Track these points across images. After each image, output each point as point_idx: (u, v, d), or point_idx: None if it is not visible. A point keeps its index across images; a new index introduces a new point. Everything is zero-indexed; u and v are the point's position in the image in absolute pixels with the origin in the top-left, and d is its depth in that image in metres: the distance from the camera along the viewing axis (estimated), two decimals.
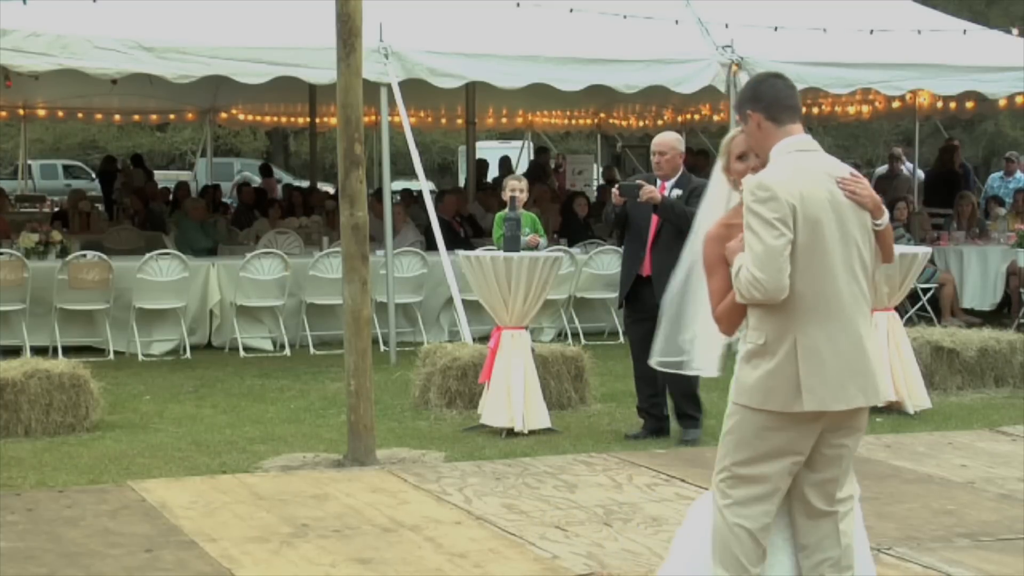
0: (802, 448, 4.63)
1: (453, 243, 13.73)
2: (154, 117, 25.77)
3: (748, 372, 4.63)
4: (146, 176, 20.95)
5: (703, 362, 5.16)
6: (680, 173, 9.18)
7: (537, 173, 21.00)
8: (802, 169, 4.63)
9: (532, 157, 25.60)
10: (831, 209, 4.59)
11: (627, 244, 9.27)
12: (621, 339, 14.18)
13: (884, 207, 4.74)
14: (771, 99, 4.71)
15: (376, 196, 14.06)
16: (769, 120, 4.70)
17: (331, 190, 21.38)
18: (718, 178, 5.04)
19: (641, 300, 8.92)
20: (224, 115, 24.32)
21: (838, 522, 4.70)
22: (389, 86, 12.63)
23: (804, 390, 4.54)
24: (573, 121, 25.13)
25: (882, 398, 4.76)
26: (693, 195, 8.70)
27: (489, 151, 26.10)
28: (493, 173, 23.28)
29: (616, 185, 9.32)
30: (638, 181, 9.05)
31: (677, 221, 8.64)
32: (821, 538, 4.70)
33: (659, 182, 9.10)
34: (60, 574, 6.16)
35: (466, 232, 15.73)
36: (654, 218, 8.96)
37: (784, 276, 4.51)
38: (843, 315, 4.60)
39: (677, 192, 9.04)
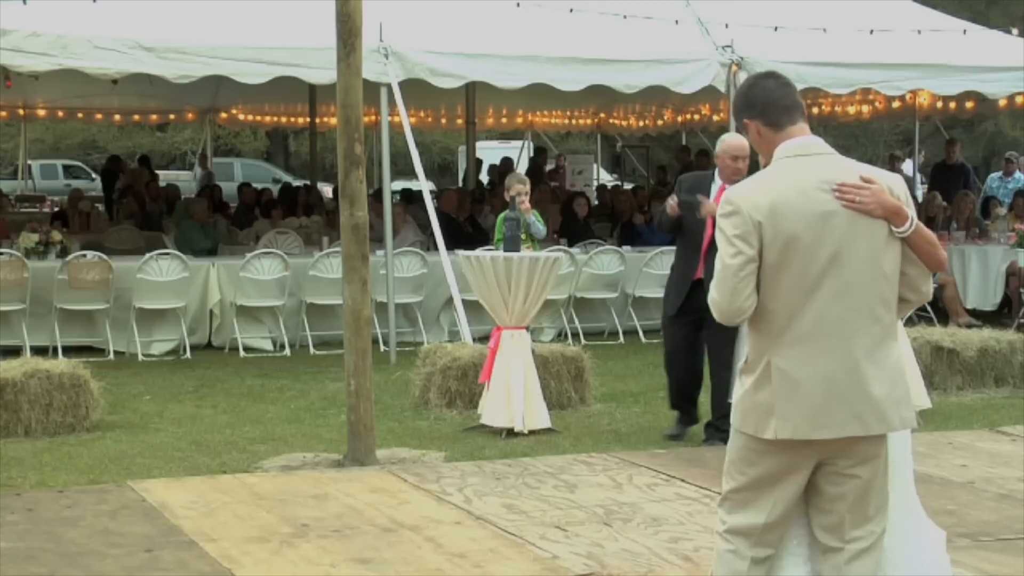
0: (795, 478, 4.28)
1: (457, 240, 13.73)
2: (154, 117, 25.80)
3: (737, 390, 4.39)
4: (150, 176, 20.94)
5: None
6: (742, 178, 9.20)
7: (534, 174, 21.03)
8: (786, 178, 4.26)
9: (531, 156, 25.65)
10: (816, 222, 4.18)
11: (680, 249, 9.31)
12: (621, 339, 14.21)
13: (906, 211, 4.26)
14: (764, 103, 4.36)
15: (376, 196, 14.06)
16: (767, 126, 4.35)
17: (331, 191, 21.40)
18: None
19: (691, 301, 8.96)
20: (224, 115, 24.35)
21: (844, 561, 4.31)
22: (389, 86, 12.63)
23: (776, 416, 4.21)
24: (573, 121, 25.16)
25: (893, 425, 4.28)
26: None
27: (489, 151, 26.12)
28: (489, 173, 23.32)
29: (677, 198, 9.19)
30: (699, 197, 8.97)
31: None
32: (829, 574, 4.35)
33: (717, 183, 9.00)
34: (60, 574, 6.16)
35: (468, 231, 15.73)
36: (708, 223, 8.93)
37: (739, 297, 4.20)
38: (828, 336, 4.20)
39: None
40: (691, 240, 9.15)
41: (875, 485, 4.33)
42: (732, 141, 8.81)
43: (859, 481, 4.29)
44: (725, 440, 9.31)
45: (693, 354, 9.26)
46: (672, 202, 9.10)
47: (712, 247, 8.92)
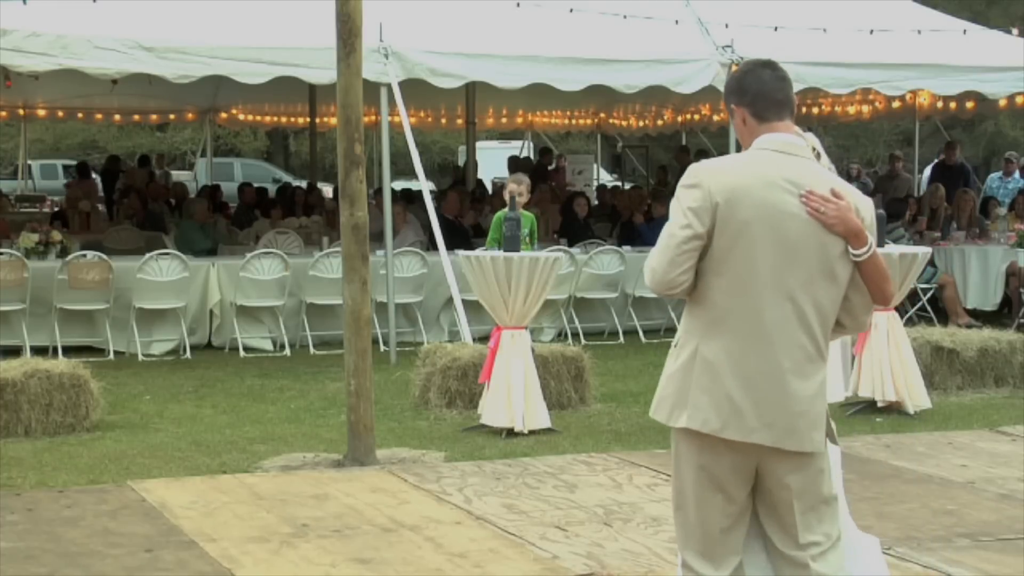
0: (725, 479, 4.13)
1: (457, 241, 13.74)
2: (154, 117, 25.80)
3: (663, 375, 4.25)
4: (149, 177, 20.95)
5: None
6: None
7: (539, 173, 21.05)
8: (756, 167, 4.15)
9: (529, 156, 25.63)
10: (773, 217, 4.06)
11: None
12: (621, 339, 14.22)
13: (867, 235, 4.15)
14: (756, 93, 4.21)
15: (376, 196, 14.06)
16: (753, 117, 4.21)
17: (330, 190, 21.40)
18: None
19: None
20: (224, 115, 24.35)
21: (807, 566, 4.17)
22: (389, 86, 12.63)
23: (689, 405, 4.09)
24: (573, 121, 25.16)
25: (803, 444, 4.11)
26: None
27: (489, 151, 26.13)
28: (492, 174, 23.31)
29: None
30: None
31: None
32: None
33: None
34: (60, 574, 6.16)
35: (467, 231, 15.74)
36: None
37: (674, 271, 4.07)
38: (761, 337, 4.07)
39: None
40: None
41: (817, 490, 4.18)
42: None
43: (792, 493, 4.15)
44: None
45: None
46: None
47: None
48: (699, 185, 4.09)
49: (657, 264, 4.12)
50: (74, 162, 36.13)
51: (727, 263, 4.08)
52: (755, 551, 4.28)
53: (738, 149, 4.40)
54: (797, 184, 4.11)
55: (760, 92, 4.21)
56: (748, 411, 4.07)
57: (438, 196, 17.22)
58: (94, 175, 24.26)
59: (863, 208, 4.21)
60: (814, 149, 4.73)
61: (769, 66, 4.28)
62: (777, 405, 4.08)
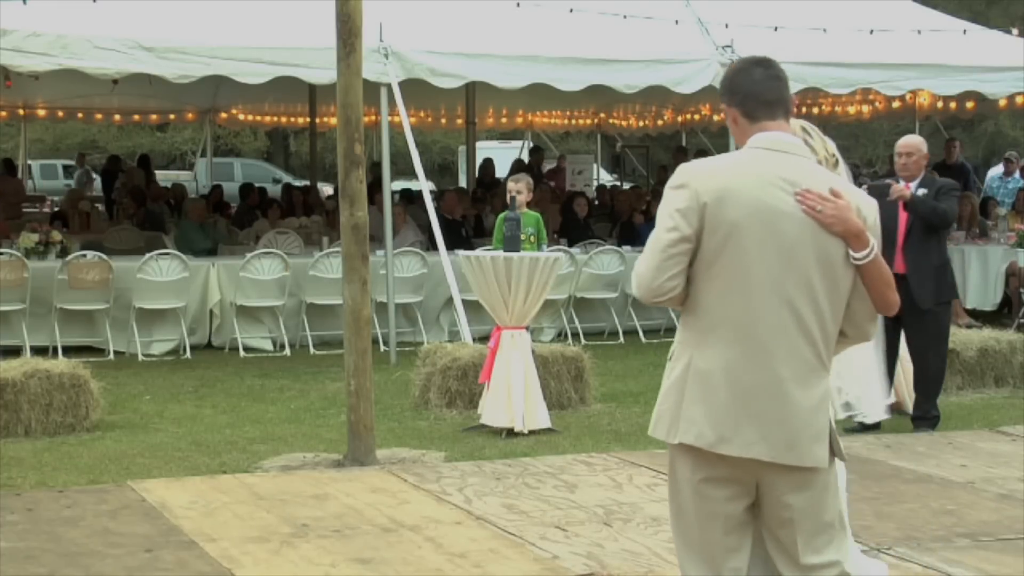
0: (725, 497, 3.93)
1: (456, 242, 13.73)
2: (154, 117, 25.80)
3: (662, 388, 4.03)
4: (147, 177, 20.96)
5: (868, 407, 5.07)
6: (924, 174, 9.39)
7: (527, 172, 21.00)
8: (746, 166, 3.94)
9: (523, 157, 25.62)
10: (767, 217, 3.84)
11: None
12: (621, 339, 14.21)
13: (868, 236, 3.94)
14: (746, 93, 4.00)
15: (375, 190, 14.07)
16: (745, 117, 4.00)
17: (330, 190, 21.42)
18: None
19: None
20: (224, 115, 24.35)
21: None
22: (389, 86, 12.63)
23: (683, 419, 3.87)
24: (573, 121, 25.16)
25: (803, 459, 3.87)
26: (940, 193, 9.21)
27: (489, 151, 26.11)
28: (500, 174, 23.28)
29: (864, 186, 9.41)
30: (887, 181, 9.26)
31: (928, 216, 9.00)
32: None
33: (900, 183, 9.29)
34: (60, 574, 6.16)
35: (467, 231, 15.74)
36: (902, 217, 9.15)
37: (662, 275, 3.85)
38: (757, 346, 3.84)
39: (923, 191, 9.26)
40: (885, 234, 9.20)
41: (821, 509, 3.95)
42: (902, 140, 9.47)
43: (794, 512, 3.92)
44: (932, 425, 9.45)
45: (891, 350, 9.35)
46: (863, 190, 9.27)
47: (909, 239, 9.12)
48: (686, 185, 3.88)
49: (644, 270, 3.90)
50: (74, 162, 36.22)
51: (718, 266, 3.86)
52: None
53: (738, 149, 4.32)
54: (792, 182, 3.89)
55: (750, 92, 4.00)
56: (746, 424, 3.84)
57: (436, 196, 17.22)
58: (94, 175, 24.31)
59: (865, 208, 4.01)
60: (833, 155, 4.57)
61: (762, 64, 4.06)
62: (776, 418, 3.85)
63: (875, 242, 3.96)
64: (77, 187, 24.11)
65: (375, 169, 16.86)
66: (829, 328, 3.93)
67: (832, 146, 4.62)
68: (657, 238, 3.90)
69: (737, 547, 3.99)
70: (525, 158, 25.95)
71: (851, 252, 3.92)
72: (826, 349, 3.93)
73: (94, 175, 27.91)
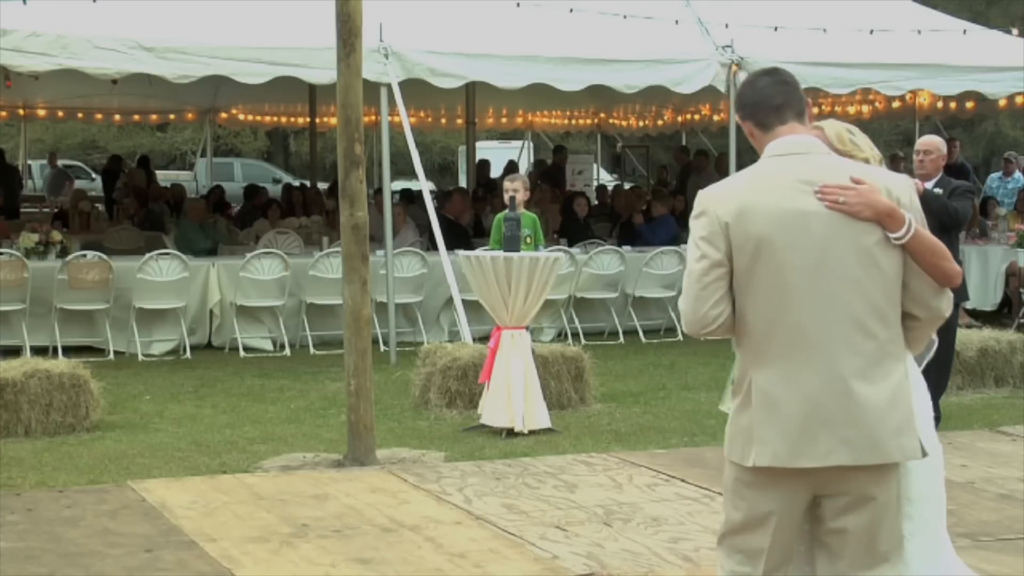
0: (788, 515, 3.87)
1: (460, 241, 13.74)
2: (154, 117, 25.80)
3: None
4: (148, 177, 20.97)
5: None
6: (940, 175, 9.48)
7: (554, 175, 21.11)
8: (761, 178, 3.93)
9: (532, 158, 25.62)
10: (793, 222, 3.82)
11: None
12: (621, 339, 14.21)
13: (901, 213, 3.85)
14: (753, 103, 4.03)
15: (376, 196, 14.07)
16: (757, 127, 4.01)
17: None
18: None
19: None
20: (224, 115, 24.36)
21: None
22: (389, 86, 12.63)
23: (755, 441, 3.81)
24: (573, 121, 25.16)
25: (890, 454, 3.82)
26: (955, 193, 9.30)
27: (489, 151, 26.12)
28: (495, 174, 23.28)
29: None
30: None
31: (940, 214, 8.96)
32: None
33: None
34: (60, 574, 6.16)
35: (469, 231, 15.75)
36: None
37: (703, 305, 3.84)
38: (811, 351, 3.79)
39: (938, 191, 9.31)
40: None
41: (883, 523, 3.90)
42: (922, 138, 9.71)
43: (861, 519, 3.86)
44: (934, 426, 9.48)
45: None
46: None
47: None
48: (704, 212, 3.88)
49: (686, 306, 3.89)
50: (74, 162, 36.25)
51: (754, 283, 3.83)
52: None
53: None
54: (811, 182, 3.86)
55: (757, 102, 4.02)
56: (818, 433, 3.76)
57: (436, 198, 17.22)
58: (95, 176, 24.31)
59: (896, 188, 3.94)
60: (868, 161, 4.40)
61: (769, 73, 4.09)
62: (849, 420, 3.77)
63: (911, 218, 3.86)
64: (50, 190, 23.89)
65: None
66: (888, 315, 3.86)
67: (865, 141, 4.57)
68: (690, 271, 3.89)
69: (790, 557, 3.96)
70: (524, 158, 26.02)
71: (889, 234, 3.84)
72: (890, 337, 3.87)
73: (72, 175, 27.90)
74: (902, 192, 3.95)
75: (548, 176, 21.17)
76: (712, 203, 3.89)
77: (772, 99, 4.00)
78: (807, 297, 3.81)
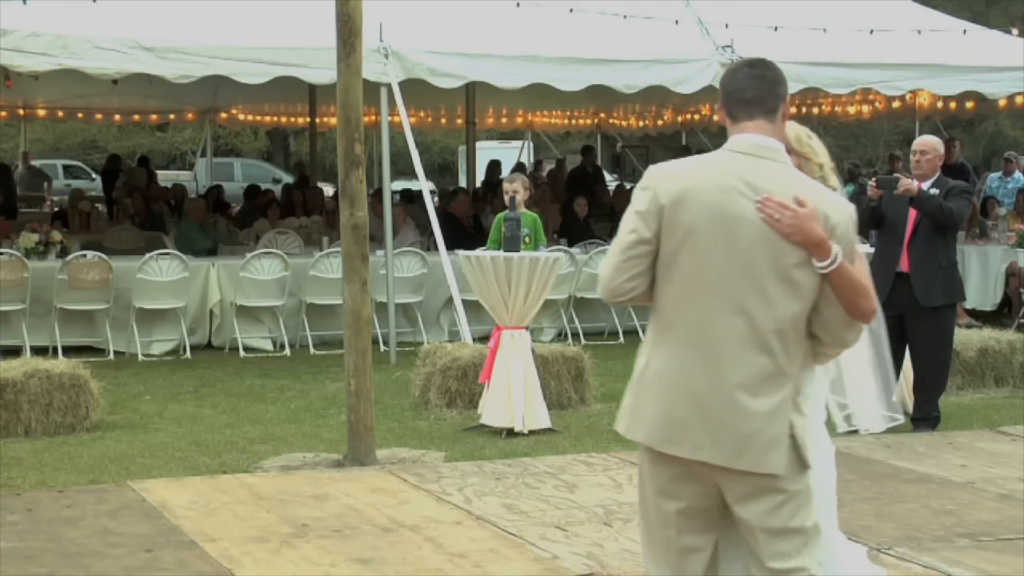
0: (680, 495, 3.93)
1: (463, 241, 13.73)
2: (154, 117, 25.80)
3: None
4: (148, 177, 20.96)
5: (868, 420, 5.09)
6: (937, 175, 9.40)
7: (580, 177, 21.13)
8: (710, 169, 3.92)
9: (532, 158, 25.63)
10: (724, 222, 3.81)
11: (881, 242, 9.34)
12: (621, 339, 14.21)
13: (830, 245, 3.82)
14: (728, 92, 3.98)
15: (376, 196, 14.07)
16: (728, 116, 3.98)
17: (330, 190, 21.41)
18: None
19: (894, 295, 9.01)
20: (224, 115, 24.35)
21: None
22: (389, 86, 12.63)
23: (635, 416, 3.92)
24: (573, 121, 25.16)
25: (755, 465, 3.82)
26: (951, 194, 9.22)
27: (489, 151, 26.12)
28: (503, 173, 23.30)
29: (873, 179, 9.45)
30: (896, 175, 9.30)
31: (935, 214, 9.01)
32: None
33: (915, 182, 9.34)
34: (60, 574, 6.16)
35: (470, 231, 15.75)
36: (911, 214, 9.16)
37: (620, 276, 3.88)
38: (707, 350, 3.82)
39: (934, 191, 9.27)
40: (892, 231, 9.25)
41: (784, 517, 3.89)
42: (919, 138, 9.64)
43: (754, 518, 3.89)
44: (933, 426, 9.53)
45: (896, 349, 9.39)
46: (872, 183, 9.28)
47: (915, 237, 9.15)
48: (648, 187, 3.90)
49: (604, 273, 3.94)
50: (74, 162, 36.25)
51: (675, 269, 3.86)
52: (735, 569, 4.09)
53: None
54: (755, 188, 3.83)
55: (730, 91, 3.98)
56: (695, 427, 3.83)
57: (442, 196, 17.23)
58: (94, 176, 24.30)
59: (835, 215, 3.90)
60: (821, 167, 4.52)
61: (751, 65, 4.03)
62: (725, 423, 3.81)
63: (837, 251, 3.85)
64: (25, 191, 23.79)
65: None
66: (790, 335, 3.86)
67: (823, 154, 4.61)
68: (619, 239, 3.93)
69: (696, 548, 4.01)
70: (525, 158, 26.01)
71: (814, 261, 3.84)
72: (788, 356, 3.87)
73: (49, 174, 27.86)
74: (840, 220, 3.91)
75: (575, 177, 21.18)
76: (657, 181, 3.92)
77: (744, 92, 3.96)
78: (719, 299, 3.83)
